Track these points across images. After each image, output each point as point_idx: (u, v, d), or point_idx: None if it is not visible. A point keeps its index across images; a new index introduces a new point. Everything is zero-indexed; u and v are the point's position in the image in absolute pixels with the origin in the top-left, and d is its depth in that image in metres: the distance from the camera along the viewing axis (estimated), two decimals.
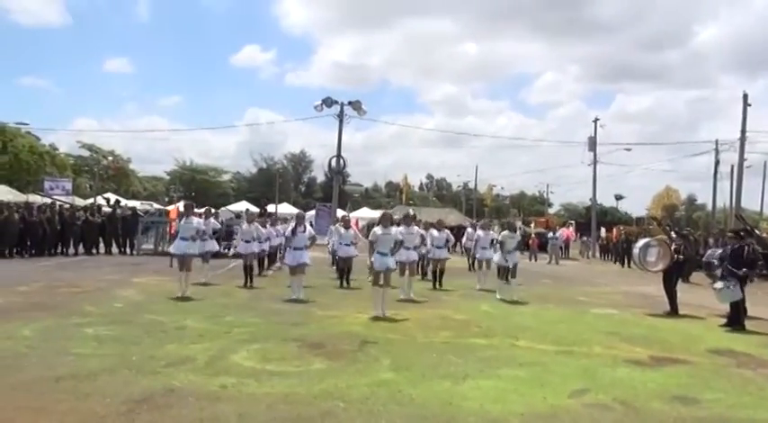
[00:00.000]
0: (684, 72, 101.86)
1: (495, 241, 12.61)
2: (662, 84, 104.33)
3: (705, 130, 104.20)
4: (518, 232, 12.42)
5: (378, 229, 9.14)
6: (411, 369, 5.82)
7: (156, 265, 15.56)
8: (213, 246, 12.88)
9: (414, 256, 11.74)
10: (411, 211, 11.21)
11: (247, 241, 12.54)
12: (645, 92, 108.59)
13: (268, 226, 14.61)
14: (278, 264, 15.34)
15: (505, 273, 11.71)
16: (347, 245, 12.67)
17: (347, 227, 13.10)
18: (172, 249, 10.70)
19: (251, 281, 11.91)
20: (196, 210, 13.38)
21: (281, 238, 15.23)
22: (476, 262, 14.04)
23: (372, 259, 9.00)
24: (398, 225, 11.64)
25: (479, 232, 13.64)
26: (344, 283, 12.44)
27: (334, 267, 14.38)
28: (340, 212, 28.21)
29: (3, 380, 4.95)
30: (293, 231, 10.48)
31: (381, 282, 8.89)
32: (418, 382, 5.35)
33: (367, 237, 11.91)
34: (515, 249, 11.70)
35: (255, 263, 13.32)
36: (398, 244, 9.43)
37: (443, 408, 4.68)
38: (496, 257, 11.89)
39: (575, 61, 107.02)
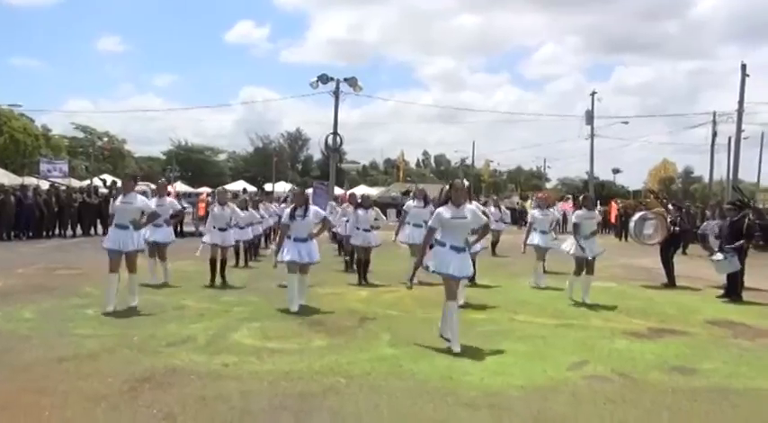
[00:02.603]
0: (683, 43, 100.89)
1: (554, 223, 10.59)
2: (661, 55, 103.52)
3: (704, 101, 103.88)
4: (596, 211, 9.17)
5: (445, 212, 5.74)
6: (411, 344, 5.86)
7: None
8: (167, 235, 9.40)
9: (477, 246, 7.90)
10: (465, 181, 8.21)
11: (222, 229, 9.48)
12: (644, 63, 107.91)
13: (249, 208, 12.03)
14: (268, 251, 12.40)
15: (582, 266, 8.49)
16: (366, 230, 10.09)
17: (366, 207, 10.36)
18: (105, 243, 7.31)
19: (222, 278, 9.43)
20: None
21: (273, 219, 13.24)
22: (526, 249, 10.33)
23: (431, 257, 5.82)
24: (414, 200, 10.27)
25: (535, 212, 10.66)
26: (363, 280, 9.87)
27: (344, 257, 12.16)
28: (338, 191, 28.13)
29: (5, 362, 4.97)
30: (291, 215, 7.52)
31: (452, 293, 5.84)
32: (418, 357, 5.39)
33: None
34: (594, 234, 8.70)
35: (238, 252, 11.50)
36: (483, 230, 6.41)
37: (444, 382, 4.72)
38: (569, 246, 8.75)
39: (574, 32, 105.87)
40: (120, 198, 7.39)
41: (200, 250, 9.67)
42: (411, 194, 10.59)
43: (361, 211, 10.28)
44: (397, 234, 10.15)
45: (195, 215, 17.36)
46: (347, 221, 11.10)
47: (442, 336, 5.85)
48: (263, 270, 11.21)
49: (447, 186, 6.19)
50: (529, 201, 27.55)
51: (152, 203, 8.82)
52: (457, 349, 5.57)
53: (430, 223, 5.97)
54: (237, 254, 11.65)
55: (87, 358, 5.11)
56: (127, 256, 7.25)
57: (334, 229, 12.77)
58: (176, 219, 10.63)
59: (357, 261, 10.26)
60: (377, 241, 10.23)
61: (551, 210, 10.85)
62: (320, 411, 4.03)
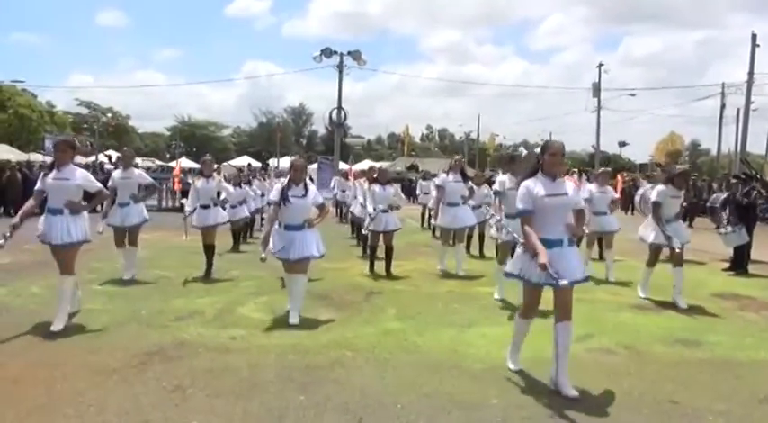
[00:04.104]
0: (693, 11, 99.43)
1: (614, 204, 8.84)
2: (670, 24, 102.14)
3: (713, 72, 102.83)
4: (683, 191, 7.13)
5: (534, 187, 3.99)
6: (416, 318, 5.90)
7: (161, 220, 15.62)
8: (137, 214, 7.60)
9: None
10: (523, 150, 6.13)
11: (205, 207, 8.00)
12: (652, 33, 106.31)
13: (242, 185, 11.04)
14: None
15: (658, 255, 7.11)
16: (384, 211, 8.29)
17: (384, 183, 8.55)
18: (39, 233, 5.33)
19: (208, 266, 7.92)
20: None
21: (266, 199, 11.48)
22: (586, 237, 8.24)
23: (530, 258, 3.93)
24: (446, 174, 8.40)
25: (591, 187, 8.72)
26: (386, 272, 8.24)
27: (357, 240, 11.00)
28: (342, 166, 28.00)
29: (16, 335, 5.03)
30: (282, 196, 5.57)
31: (531, 308, 4.20)
32: (424, 331, 5.43)
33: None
34: (678, 216, 7.02)
35: (234, 234, 10.62)
36: (578, 217, 4.23)
37: (449, 355, 4.75)
38: (648, 233, 7.02)
39: (582, 2, 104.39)
40: (52, 173, 5.38)
41: (186, 234, 8.36)
42: (447, 166, 8.55)
43: (377, 188, 8.47)
44: (436, 216, 8.51)
45: None
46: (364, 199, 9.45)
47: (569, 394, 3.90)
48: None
49: (539, 149, 4.25)
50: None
51: (116, 175, 7.68)
52: (572, 393, 3.86)
53: (520, 206, 4.04)
54: (235, 236, 10.74)
55: (97, 332, 5.18)
56: (54, 250, 5.31)
57: (351, 209, 11.75)
58: (148, 194, 8.44)
59: (371, 247, 8.57)
60: (396, 224, 8.48)
61: (609, 187, 8.99)
62: (327, 383, 4.07)
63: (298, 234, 5.62)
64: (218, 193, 8.26)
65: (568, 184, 4.14)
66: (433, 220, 9.45)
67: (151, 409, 3.59)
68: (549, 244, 3.89)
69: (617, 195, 9.58)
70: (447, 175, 8.56)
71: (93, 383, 3.98)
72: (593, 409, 3.75)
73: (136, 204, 7.59)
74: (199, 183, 8.11)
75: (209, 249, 7.97)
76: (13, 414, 3.51)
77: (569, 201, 4.03)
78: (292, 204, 5.59)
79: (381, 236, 8.36)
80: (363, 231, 9.26)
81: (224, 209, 8.61)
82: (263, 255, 5.53)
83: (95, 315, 5.75)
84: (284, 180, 5.76)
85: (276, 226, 5.67)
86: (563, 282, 3.72)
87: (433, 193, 12.63)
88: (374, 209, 8.32)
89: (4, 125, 38.01)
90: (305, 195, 5.69)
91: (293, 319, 5.57)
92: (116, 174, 7.78)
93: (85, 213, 5.47)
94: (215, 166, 8.91)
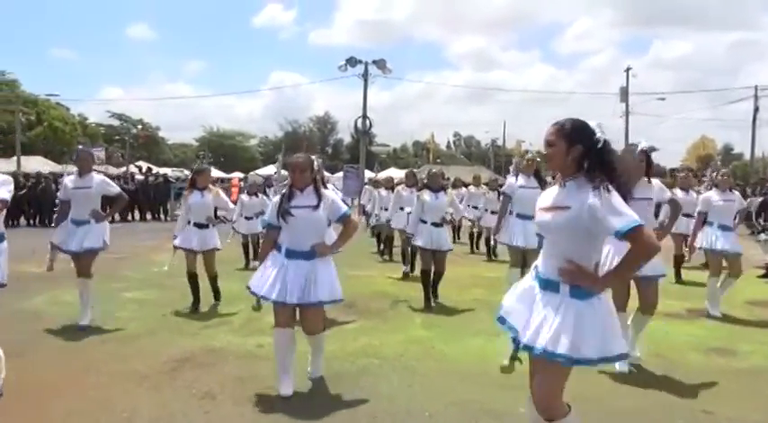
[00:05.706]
0: (725, 13, 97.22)
1: (742, 215, 7.45)
2: (701, 26, 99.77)
3: (746, 75, 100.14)
4: None
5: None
6: (443, 326, 5.88)
7: None
8: (94, 236, 5.66)
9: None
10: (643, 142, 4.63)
11: (200, 226, 6.53)
12: (683, 35, 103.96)
13: (259, 194, 9.97)
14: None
15: None
16: (435, 225, 6.75)
17: (435, 190, 6.84)
18: None
19: (215, 292, 6.76)
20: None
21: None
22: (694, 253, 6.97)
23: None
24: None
25: (711, 195, 6.77)
26: (432, 298, 6.80)
27: (381, 253, 10.43)
28: (368, 174, 28.07)
29: (52, 343, 5.17)
30: (283, 208, 3.91)
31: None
32: (450, 339, 5.40)
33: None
34: None
35: (246, 249, 9.77)
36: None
37: (476, 363, 4.72)
38: None
39: (610, 5, 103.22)
40: None
41: (171, 259, 6.85)
42: (512, 168, 6.93)
43: (428, 196, 6.78)
44: (497, 231, 6.72)
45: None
46: (408, 213, 7.72)
47: None
48: None
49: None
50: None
51: (68, 183, 5.70)
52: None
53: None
54: (246, 252, 9.84)
55: (129, 340, 5.28)
56: None
57: (377, 220, 10.59)
58: (116, 208, 6.22)
59: (423, 271, 6.78)
60: (449, 244, 6.95)
61: (735, 192, 6.99)
62: (354, 391, 4.08)
63: (305, 266, 3.89)
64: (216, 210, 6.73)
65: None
66: (494, 236, 7.90)
67: (182, 417, 3.64)
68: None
69: (745, 203, 7.92)
70: (516, 178, 6.60)
71: (125, 389, 4.06)
72: (625, 418, 3.69)
73: (96, 223, 5.63)
74: (191, 197, 6.49)
75: (213, 280, 6.67)
76: (48, 420, 3.59)
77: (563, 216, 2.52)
78: (296, 219, 3.87)
79: (430, 256, 6.75)
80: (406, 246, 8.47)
81: (225, 223, 7.07)
82: (256, 299, 4.08)
83: (127, 322, 5.87)
84: (284, 187, 4.15)
85: (276, 253, 3.99)
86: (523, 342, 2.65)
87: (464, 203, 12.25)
88: (423, 222, 6.76)
89: (39, 138, 39.15)
90: (317, 206, 3.93)
91: (290, 384, 3.99)
92: (69, 181, 5.74)
93: (5, 244, 4.01)
94: (212, 176, 7.43)
